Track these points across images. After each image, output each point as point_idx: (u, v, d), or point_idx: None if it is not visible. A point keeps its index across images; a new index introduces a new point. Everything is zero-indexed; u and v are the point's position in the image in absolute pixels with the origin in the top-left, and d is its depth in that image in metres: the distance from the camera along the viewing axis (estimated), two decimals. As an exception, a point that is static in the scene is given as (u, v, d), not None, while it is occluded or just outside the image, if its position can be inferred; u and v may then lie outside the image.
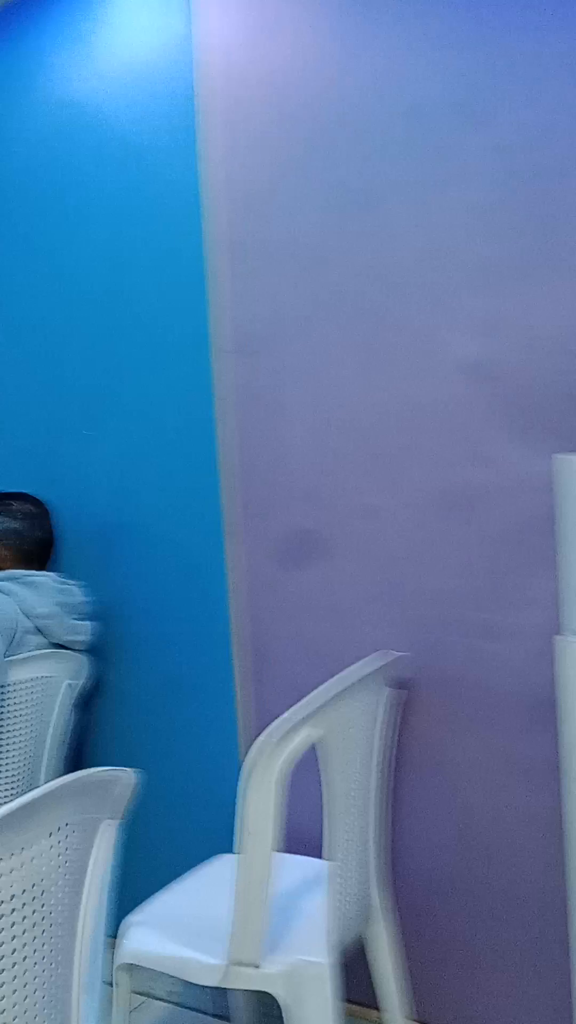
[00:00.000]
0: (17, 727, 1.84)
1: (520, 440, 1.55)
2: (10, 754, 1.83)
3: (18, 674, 1.83)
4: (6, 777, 1.83)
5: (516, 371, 1.55)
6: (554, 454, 1.51)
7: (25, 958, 0.94)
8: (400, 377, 1.67)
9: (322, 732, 1.37)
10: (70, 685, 1.95)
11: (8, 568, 2.00)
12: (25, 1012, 0.95)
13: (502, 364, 1.56)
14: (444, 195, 1.61)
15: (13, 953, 0.93)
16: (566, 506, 1.48)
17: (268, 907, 1.35)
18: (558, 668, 1.41)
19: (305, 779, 1.60)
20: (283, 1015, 1.40)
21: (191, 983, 1.71)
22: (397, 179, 1.65)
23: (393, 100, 1.65)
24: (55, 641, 1.91)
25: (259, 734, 1.30)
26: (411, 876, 1.69)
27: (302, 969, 1.35)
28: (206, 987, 1.90)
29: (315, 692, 1.37)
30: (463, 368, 1.60)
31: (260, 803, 1.31)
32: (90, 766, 1.33)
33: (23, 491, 2.12)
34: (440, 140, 1.60)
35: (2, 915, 0.91)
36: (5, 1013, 0.92)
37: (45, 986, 0.98)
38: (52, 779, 1.20)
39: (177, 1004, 1.96)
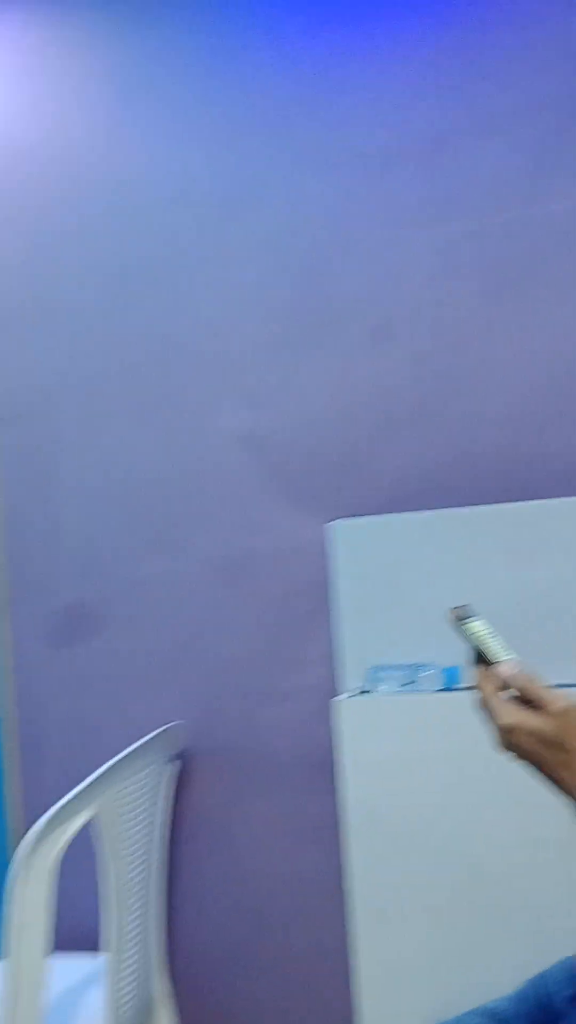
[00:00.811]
0: None
1: (292, 507, 1.60)
2: None
3: None
4: None
5: (285, 442, 1.61)
6: (326, 521, 1.57)
7: None
8: (175, 446, 1.68)
9: (98, 817, 1.30)
10: None
11: None
12: None
13: (272, 435, 1.62)
14: (212, 275, 1.67)
15: None
16: (339, 571, 1.54)
17: (41, 1013, 1.23)
18: (335, 728, 1.44)
19: (81, 869, 1.50)
20: None
21: None
22: (167, 259, 1.70)
23: (162, 186, 1.71)
24: None
25: (31, 827, 1.21)
26: (195, 956, 1.62)
27: (78, 1079, 1.24)
28: None
29: (91, 776, 1.30)
30: (236, 438, 1.64)
31: (29, 901, 1.21)
32: None
33: None
34: (208, 225, 1.68)
35: None
36: None
37: None
38: None
39: None
